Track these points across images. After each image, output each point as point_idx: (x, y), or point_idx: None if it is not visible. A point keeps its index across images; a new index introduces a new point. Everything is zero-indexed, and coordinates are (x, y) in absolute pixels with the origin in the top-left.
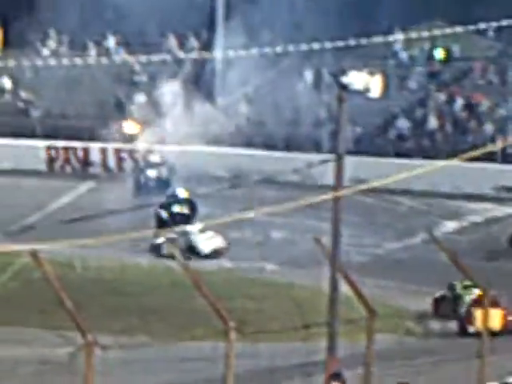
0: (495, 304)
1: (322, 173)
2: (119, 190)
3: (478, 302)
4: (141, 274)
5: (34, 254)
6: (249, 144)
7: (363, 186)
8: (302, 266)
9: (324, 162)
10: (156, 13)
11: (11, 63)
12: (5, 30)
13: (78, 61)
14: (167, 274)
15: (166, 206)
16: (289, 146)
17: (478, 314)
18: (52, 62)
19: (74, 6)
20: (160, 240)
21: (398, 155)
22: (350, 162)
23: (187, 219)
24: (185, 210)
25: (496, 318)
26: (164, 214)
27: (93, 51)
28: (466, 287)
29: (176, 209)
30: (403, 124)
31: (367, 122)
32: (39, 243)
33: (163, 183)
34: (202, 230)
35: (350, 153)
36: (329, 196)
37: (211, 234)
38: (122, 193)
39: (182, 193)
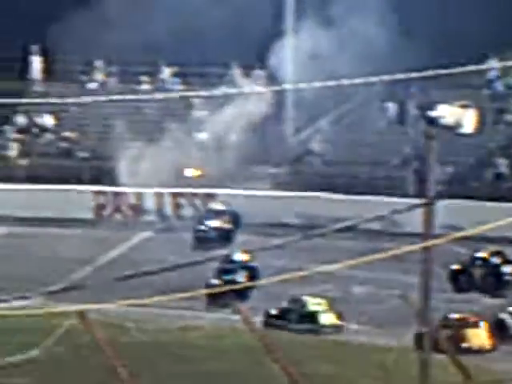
0: None
1: (407, 219)
2: (176, 242)
3: None
4: (203, 336)
5: (81, 316)
6: (324, 187)
7: (458, 234)
8: (386, 324)
9: (412, 207)
10: (215, 40)
11: (53, 98)
12: (47, 60)
13: (129, 94)
14: (233, 336)
15: (219, 274)
16: (370, 188)
17: None
18: (99, 96)
19: (124, 33)
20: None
21: (495, 198)
22: (440, 206)
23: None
24: (240, 278)
25: None
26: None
27: (145, 84)
28: None
29: (229, 277)
30: (500, 162)
31: (459, 160)
32: (88, 303)
33: (225, 235)
34: None
35: (439, 196)
36: (418, 246)
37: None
38: (180, 245)
39: (239, 257)
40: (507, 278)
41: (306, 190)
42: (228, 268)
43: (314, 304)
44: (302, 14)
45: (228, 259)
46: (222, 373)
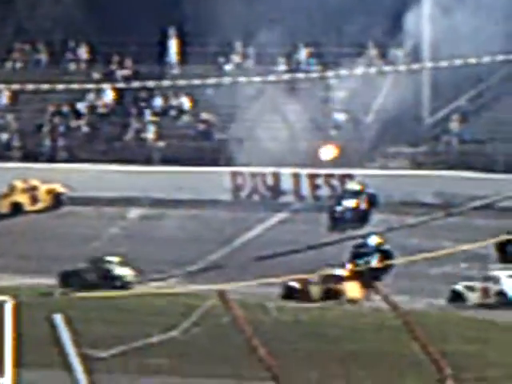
0: None
1: None
2: (314, 222)
3: None
4: (342, 314)
5: (222, 295)
6: (461, 166)
7: None
8: None
9: None
10: (352, 20)
11: (189, 81)
12: (184, 44)
13: (265, 77)
14: (372, 315)
15: (353, 258)
16: (509, 166)
17: None
18: (237, 78)
19: (263, 16)
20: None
21: None
22: None
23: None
24: (374, 261)
25: None
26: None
27: (282, 66)
28: None
29: (362, 261)
30: None
31: None
32: (227, 283)
33: (362, 215)
34: None
35: None
36: None
37: None
38: (317, 225)
39: (374, 241)
40: None
41: (443, 169)
42: (362, 252)
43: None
44: None
45: (362, 243)
46: (362, 352)
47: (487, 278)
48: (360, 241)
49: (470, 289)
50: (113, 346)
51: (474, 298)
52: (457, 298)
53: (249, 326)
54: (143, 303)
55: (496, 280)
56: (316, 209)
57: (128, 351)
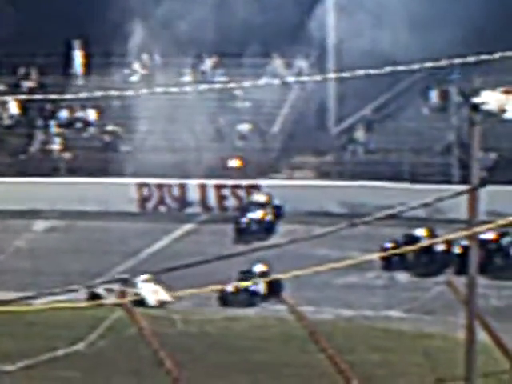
0: None
1: (451, 206)
2: (221, 233)
3: None
4: (249, 326)
5: (126, 308)
6: (367, 175)
7: (502, 221)
8: (431, 312)
9: (457, 194)
10: (257, 31)
11: (95, 92)
12: (88, 54)
13: (172, 87)
14: (279, 326)
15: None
16: (414, 176)
17: None
18: (142, 89)
19: (164, 24)
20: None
21: None
22: (484, 192)
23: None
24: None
25: None
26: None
27: (188, 76)
28: None
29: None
30: None
31: (503, 147)
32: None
33: (267, 226)
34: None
35: (484, 183)
36: (463, 233)
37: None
38: (223, 236)
39: (259, 269)
40: None
41: (349, 179)
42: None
43: None
44: None
45: (248, 271)
46: (268, 363)
47: None
48: (245, 269)
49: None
50: (19, 360)
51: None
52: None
53: (155, 339)
54: (50, 316)
55: None
56: (223, 220)
57: (34, 365)
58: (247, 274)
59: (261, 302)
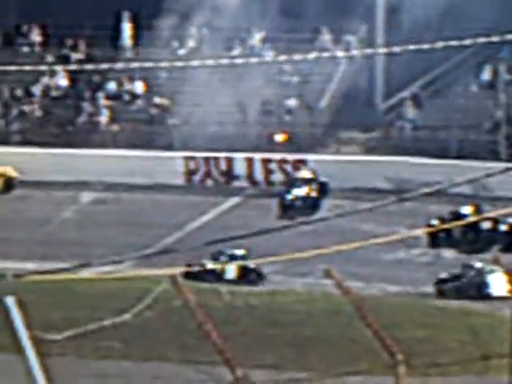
0: None
1: (499, 183)
2: (266, 208)
3: None
4: (295, 300)
5: (174, 280)
6: (414, 152)
7: None
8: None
9: (504, 170)
10: (304, 5)
11: (144, 64)
12: (137, 26)
13: (220, 61)
14: (325, 300)
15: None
16: (461, 153)
17: None
18: (190, 62)
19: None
20: None
21: None
22: None
23: None
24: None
25: None
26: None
27: (237, 50)
28: None
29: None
30: None
31: None
32: (180, 267)
33: (312, 203)
34: None
35: None
36: (509, 209)
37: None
38: (269, 211)
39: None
40: None
41: (396, 155)
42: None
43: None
44: None
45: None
46: (314, 337)
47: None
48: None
49: None
50: (66, 330)
51: None
52: None
53: (201, 311)
54: (96, 287)
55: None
56: (269, 194)
57: (81, 334)
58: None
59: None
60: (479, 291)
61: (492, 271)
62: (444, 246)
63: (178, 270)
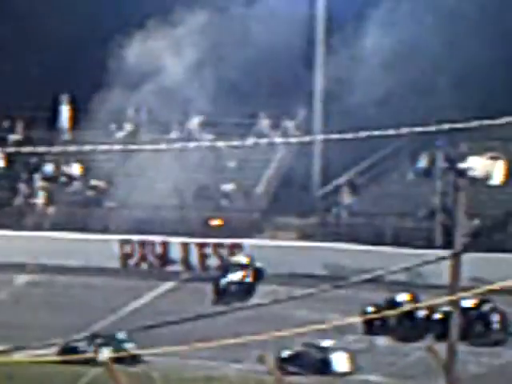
0: None
1: (433, 271)
2: (201, 292)
3: None
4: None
5: (107, 365)
6: (350, 238)
7: (486, 287)
8: (411, 377)
9: (439, 259)
10: (242, 91)
11: (81, 147)
12: (75, 109)
13: (156, 145)
14: None
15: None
16: (397, 240)
17: None
18: (128, 145)
19: (151, 81)
20: None
21: None
22: (467, 258)
23: None
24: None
25: None
26: None
27: (174, 133)
28: None
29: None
30: None
31: (486, 213)
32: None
33: (247, 288)
34: None
35: (466, 248)
36: (445, 298)
37: None
38: (204, 295)
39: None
40: None
41: (332, 241)
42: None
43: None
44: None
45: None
46: None
47: None
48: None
49: None
50: None
51: None
52: None
53: None
54: (32, 370)
55: None
56: (204, 279)
57: None
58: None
59: None
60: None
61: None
62: (379, 334)
63: (110, 355)
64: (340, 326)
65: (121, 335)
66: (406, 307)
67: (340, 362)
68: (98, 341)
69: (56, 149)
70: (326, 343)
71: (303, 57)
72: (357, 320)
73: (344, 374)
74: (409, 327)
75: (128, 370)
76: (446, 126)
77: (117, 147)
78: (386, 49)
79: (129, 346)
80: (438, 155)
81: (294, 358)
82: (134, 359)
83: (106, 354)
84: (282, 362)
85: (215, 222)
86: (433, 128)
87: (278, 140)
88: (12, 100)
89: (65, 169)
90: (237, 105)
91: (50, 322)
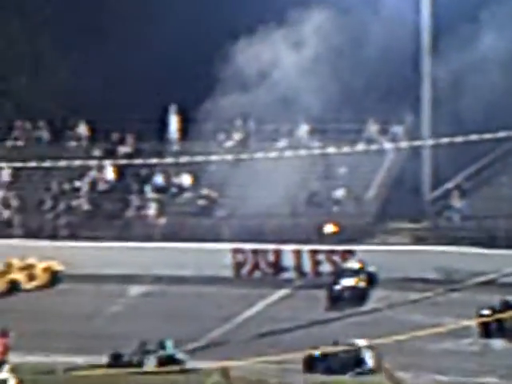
0: None
1: None
2: (315, 299)
3: None
4: None
5: (225, 372)
6: (462, 241)
7: None
8: None
9: None
10: (351, 97)
11: (191, 158)
12: (184, 120)
13: (266, 154)
14: None
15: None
16: (509, 242)
17: None
18: (237, 155)
19: (259, 89)
20: None
21: None
22: None
23: None
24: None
25: None
26: None
27: (283, 141)
28: None
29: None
30: None
31: None
32: (230, 360)
33: (361, 294)
34: None
35: None
36: None
37: None
38: (317, 302)
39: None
40: None
41: (444, 245)
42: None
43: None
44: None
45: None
46: None
47: None
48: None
49: None
50: None
51: None
52: None
53: None
54: (148, 379)
55: None
56: (317, 285)
57: None
58: None
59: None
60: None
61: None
62: (495, 337)
63: (230, 363)
64: (456, 330)
65: (169, 343)
66: None
67: (369, 359)
68: (146, 349)
69: (167, 160)
70: (357, 342)
71: (412, 62)
72: (472, 323)
73: (371, 372)
74: None
75: (245, 377)
76: None
77: (227, 157)
78: (495, 53)
79: (177, 353)
80: None
81: (324, 358)
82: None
83: (152, 362)
84: (313, 361)
85: (329, 229)
86: None
87: (388, 145)
88: (121, 112)
89: (175, 179)
90: (346, 111)
91: (166, 332)
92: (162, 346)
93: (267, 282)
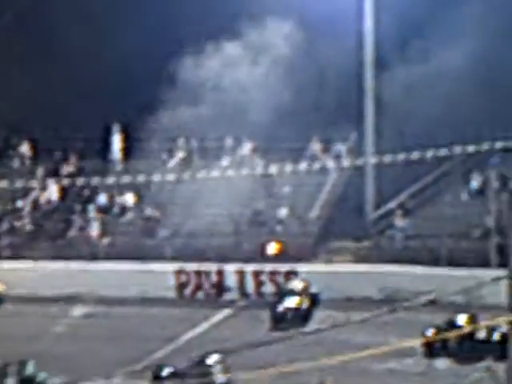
0: None
1: (490, 292)
2: (257, 320)
3: None
4: None
5: None
6: (406, 260)
7: None
8: None
9: (495, 279)
10: (294, 114)
11: (134, 177)
12: (128, 139)
13: (209, 173)
14: None
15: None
16: (452, 261)
17: None
18: (180, 174)
19: (202, 107)
20: None
21: None
22: None
23: None
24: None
25: None
26: None
27: (226, 160)
28: None
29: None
30: None
31: None
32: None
33: (304, 314)
34: None
35: None
36: (504, 319)
37: None
38: (260, 322)
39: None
40: None
41: (388, 264)
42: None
43: None
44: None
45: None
46: None
47: None
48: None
49: None
50: None
51: None
52: None
53: None
54: None
55: None
56: (260, 306)
57: None
58: None
59: None
60: None
61: None
62: (440, 356)
63: None
64: (400, 349)
65: (30, 364)
66: (466, 328)
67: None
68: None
69: (109, 180)
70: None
71: (354, 79)
72: (416, 343)
73: None
74: (469, 349)
75: None
76: (499, 144)
77: (170, 176)
78: (440, 69)
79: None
80: (491, 174)
81: (174, 376)
82: None
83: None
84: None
85: (273, 249)
86: (486, 146)
87: (331, 164)
88: (64, 131)
89: (118, 199)
90: (288, 129)
91: (108, 353)
92: (23, 368)
93: (210, 302)
